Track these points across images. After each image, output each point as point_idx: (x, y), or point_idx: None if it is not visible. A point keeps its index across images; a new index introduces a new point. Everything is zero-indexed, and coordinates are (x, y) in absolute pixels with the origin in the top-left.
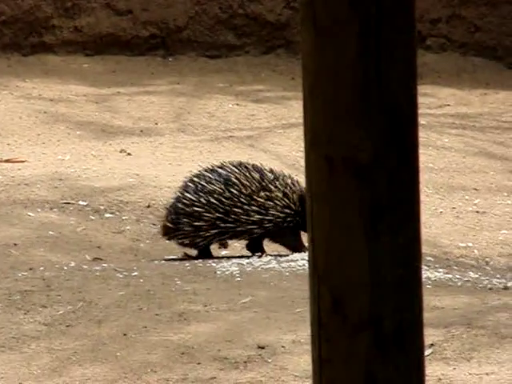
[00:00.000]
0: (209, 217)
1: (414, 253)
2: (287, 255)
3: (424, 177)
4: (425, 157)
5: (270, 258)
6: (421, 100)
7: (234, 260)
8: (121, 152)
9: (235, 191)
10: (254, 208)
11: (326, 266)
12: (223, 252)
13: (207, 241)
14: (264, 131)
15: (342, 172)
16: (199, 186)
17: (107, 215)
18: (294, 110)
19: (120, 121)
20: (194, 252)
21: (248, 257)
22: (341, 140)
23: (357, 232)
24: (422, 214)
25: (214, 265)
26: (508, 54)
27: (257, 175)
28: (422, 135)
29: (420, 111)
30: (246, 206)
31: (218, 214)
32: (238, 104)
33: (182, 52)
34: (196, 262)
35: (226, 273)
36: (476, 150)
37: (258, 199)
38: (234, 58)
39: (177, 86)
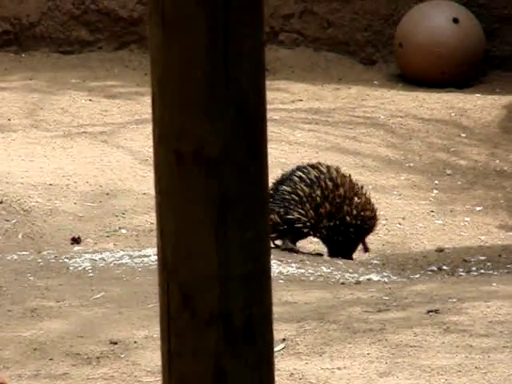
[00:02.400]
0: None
1: (262, 247)
2: None
3: (277, 172)
4: (277, 152)
5: (122, 253)
6: (274, 95)
7: (87, 256)
8: None
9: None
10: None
11: (174, 261)
12: (76, 248)
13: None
14: (117, 127)
15: (191, 166)
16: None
17: None
18: (147, 106)
19: None
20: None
21: (100, 252)
22: (189, 134)
23: (205, 227)
24: None
25: (66, 260)
26: (360, 49)
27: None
28: (275, 130)
29: (273, 106)
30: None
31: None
32: (91, 100)
33: (35, 48)
34: (49, 257)
35: (79, 268)
36: (329, 144)
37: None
38: (87, 54)
39: (30, 81)
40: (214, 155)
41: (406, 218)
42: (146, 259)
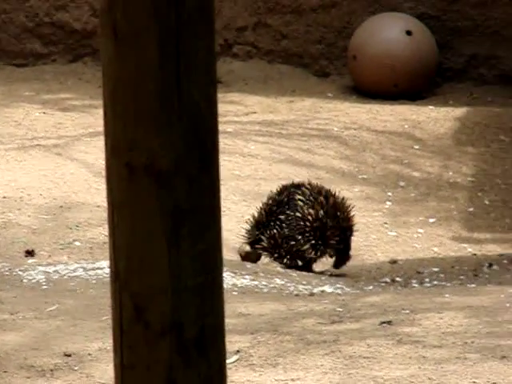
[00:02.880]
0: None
1: (214, 259)
2: None
3: (231, 184)
4: (231, 164)
5: (76, 265)
6: (228, 108)
7: (41, 268)
8: None
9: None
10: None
11: (127, 273)
12: (30, 260)
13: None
14: (71, 139)
15: (143, 179)
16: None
17: None
18: (101, 119)
19: None
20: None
21: (54, 265)
22: (141, 147)
23: (158, 239)
24: (229, 221)
25: (20, 273)
26: (314, 62)
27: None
28: (229, 142)
29: (227, 119)
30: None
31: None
32: (44, 112)
33: None
34: (3, 270)
35: (33, 281)
36: (282, 157)
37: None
38: (40, 67)
39: None
40: (166, 167)
41: (359, 229)
42: (99, 271)
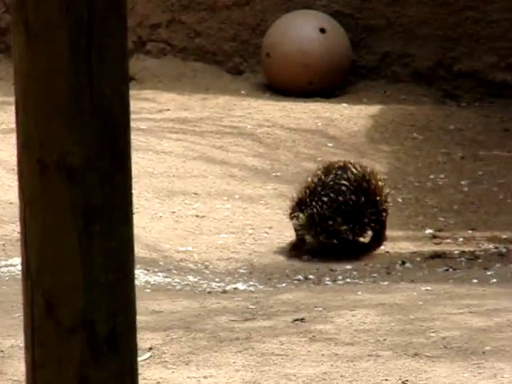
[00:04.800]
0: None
1: (126, 256)
2: None
3: (144, 181)
4: (145, 161)
5: None
6: (141, 105)
7: None
8: None
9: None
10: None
11: (38, 270)
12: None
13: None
14: None
15: (54, 175)
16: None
17: None
18: (14, 115)
19: None
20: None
21: None
22: (53, 143)
23: (69, 235)
24: (142, 219)
25: None
26: (228, 59)
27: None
28: (142, 140)
29: (140, 116)
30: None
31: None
32: None
33: None
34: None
35: None
36: (196, 154)
37: None
38: None
39: None
40: (78, 164)
41: (272, 227)
42: (12, 268)
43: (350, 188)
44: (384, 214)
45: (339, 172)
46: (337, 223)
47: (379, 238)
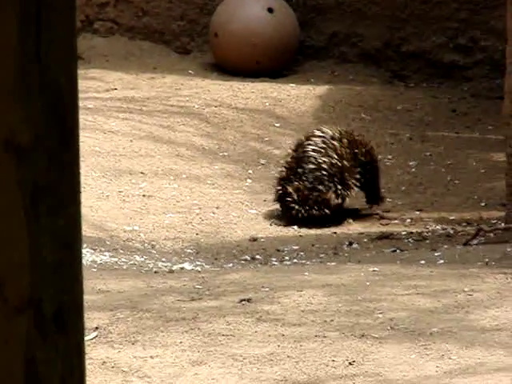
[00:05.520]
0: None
1: (74, 235)
2: None
3: (91, 160)
4: (92, 140)
5: None
6: (88, 84)
7: None
8: None
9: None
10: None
11: None
12: None
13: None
14: None
15: (2, 154)
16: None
17: None
18: None
19: None
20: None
21: None
22: (0, 122)
23: (16, 214)
24: (88, 198)
25: None
26: (175, 39)
27: None
28: (89, 119)
29: (87, 95)
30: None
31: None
32: None
33: None
34: None
35: None
36: (143, 133)
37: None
38: None
39: None
40: (26, 143)
41: (219, 207)
42: None
43: (318, 151)
44: (368, 167)
45: (305, 142)
46: (320, 192)
47: (372, 194)
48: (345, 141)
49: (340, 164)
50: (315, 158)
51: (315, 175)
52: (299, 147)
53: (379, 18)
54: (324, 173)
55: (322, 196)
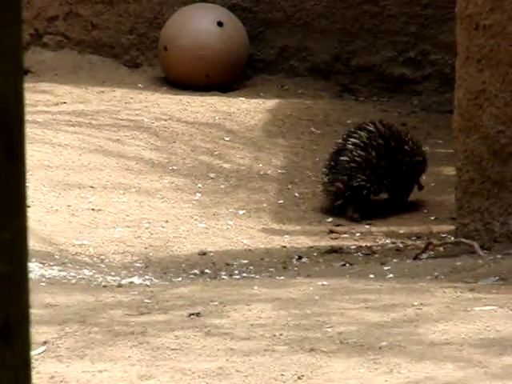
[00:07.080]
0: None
1: (20, 249)
2: None
3: (40, 174)
4: (41, 154)
5: None
6: (38, 97)
7: None
8: None
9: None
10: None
11: None
12: None
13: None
14: None
15: None
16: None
17: None
18: None
19: None
20: None
21: None
22: None
23: None
24: (37, 212)
25: None
26: (124, 52)
27: None
28: (38, 132)
29: (37, 109)
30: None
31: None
32: None
33: None
34: None
35: None
36: (92, 147)
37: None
38: None
39: None
40: None
41: (169, 221)
42: None
43: (359, 145)
44: (403, 168)
45: (351, 133)
46: (352, 183)
47: (399, 198)
48: (392, 143)
49: (374, 162)
50: (351, 150)
51: (345, 168)
52: (343, 138)
53: (329, 31)
54: (354, 165)
55: (354, 188)
